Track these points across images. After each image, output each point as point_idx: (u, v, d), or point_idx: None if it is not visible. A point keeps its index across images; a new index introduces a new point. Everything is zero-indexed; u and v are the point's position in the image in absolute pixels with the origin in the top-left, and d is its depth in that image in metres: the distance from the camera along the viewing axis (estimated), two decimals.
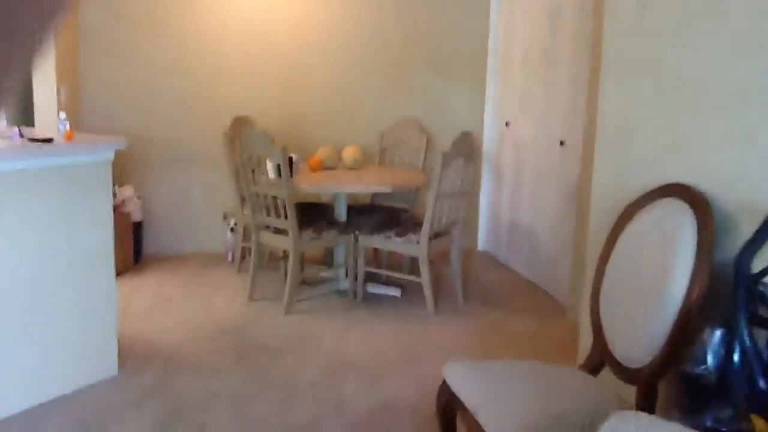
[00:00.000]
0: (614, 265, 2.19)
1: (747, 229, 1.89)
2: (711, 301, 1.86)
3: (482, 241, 5.55)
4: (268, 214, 3.98)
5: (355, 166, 4.54)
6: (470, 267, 5.03)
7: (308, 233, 3.95)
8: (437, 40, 5.30)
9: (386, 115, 5.25)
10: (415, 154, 4.91)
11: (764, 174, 1.91)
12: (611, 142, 2.63)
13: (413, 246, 3.96)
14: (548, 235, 4.47)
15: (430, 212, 3.86)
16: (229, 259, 5.02)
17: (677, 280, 1.88)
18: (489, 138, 5.39)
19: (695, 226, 1.92)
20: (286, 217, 3.87)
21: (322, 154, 4.52)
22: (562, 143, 4.25)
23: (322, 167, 4.50)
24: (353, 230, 4.13)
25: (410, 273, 4.51)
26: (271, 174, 3.92)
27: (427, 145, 4.83)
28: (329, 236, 4.03)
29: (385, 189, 3.93)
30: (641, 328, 1.96)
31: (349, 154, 4.54)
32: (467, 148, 3.96)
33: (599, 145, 2.67)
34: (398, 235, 4.00)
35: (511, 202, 5.02)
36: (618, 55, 2.63)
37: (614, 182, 2.59)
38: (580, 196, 4.01)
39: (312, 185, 3.91)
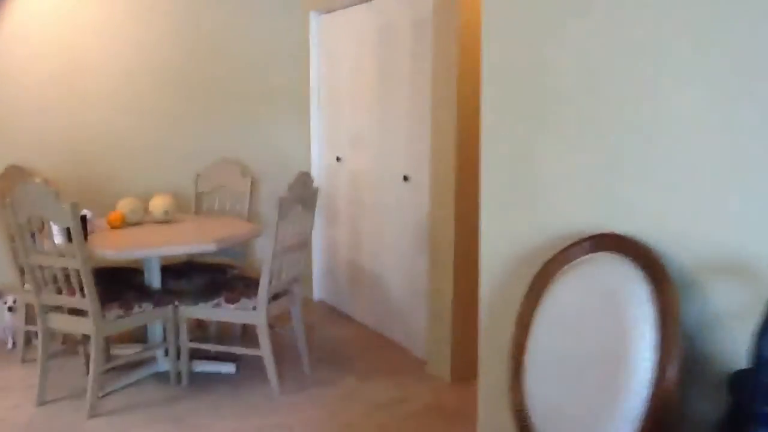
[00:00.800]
0: (540, 340, 1.71)
1: (711, 291, 1.49)
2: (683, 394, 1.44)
3: (318, 289, 4.96)
4: (59, 291, 3.10)
5: (167, 219, 3.77)
6: (309, 321, 4.42)
7: (114, 311, 3.12)
8: (254, 69, 4.68)
9: (200, 155, 4.51)
10: (238, 199, 4.22)
11: (720, 218, 1.53)
12: (498, 179, 2.18)
13: (249, 313, 3.27)
14: (396, 280, 3.99)
15: (267, 271, 3.21)
16: (9, 345, 3.98)
17: (640, 363, 1.43)
18: (318, 175, 4.84)
19: (648, 290, 1.49)
20: (82, 293, 3.02)
21: (123, 207, 3.70)
22: (405, 178, 3.81)
23: (125, 224, 3.68)
24: (171, 300, 3.36)
25: (243, 342, 3.82)
26: (58, 238, 3.05)
27: (251, 189, 4.16)
28: (142, 313, 3.22)
29: (209, 248, 3.22)
30: (598, 425, 1.48)
31: (158, 204, 3.76)
32: (306, 191, 3.37)
33: (485, 181, 2.21)
34: (229, 301, 3.30)
35: (350, 244, 4.50)
36: (499, 66, 2.19)
37: (507, 230, 2.14)
38: (431, 236, 3.58)
39: (115, 250, 3.10)
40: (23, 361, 3.77)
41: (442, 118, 3.41)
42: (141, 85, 4.38)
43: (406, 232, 3.86)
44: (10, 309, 3.88)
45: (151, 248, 3.18)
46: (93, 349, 3.05)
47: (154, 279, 3.52)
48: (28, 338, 3.88)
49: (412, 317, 3.86)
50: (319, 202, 4.84)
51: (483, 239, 2.26)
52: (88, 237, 3.30)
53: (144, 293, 3.34)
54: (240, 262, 4.10)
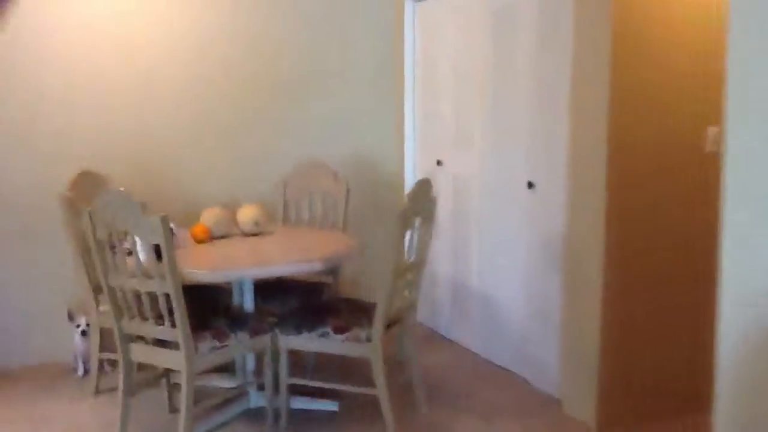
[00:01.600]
0: None
1: None
2: None
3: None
4: (143, 318, 2.64)
5: (258, 231, 3.30)
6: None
7: (207, 343, 2.65)
8: (339, 64, 4.19)
9: (281, 160, 4.05)
10: (330, 207, 3.73)
11: None
12: (746, 196, 1.63)
13: (362, 345, 2.77)
14: (516, 304, 3.45)
15: (384, 296, 2.70)
16: (80, 372, 3.56)
17: None
18: (412, 180, 4.33)
19: None
20: (172, 321, 2.55)
21: (208, 219, 3.24)
22: (531, 185, 3.26)
23: (211, 237, 3.22)
24: (269, 328, 2.87)
25: (343, 378, 3.33)
26: (143, 256, 2.59)
27: (347, 196, 3.67)
28: (238, 344, 2.75)
29: (315, 267, 2.73)
30: None
31: (248, 215, 3.29)
32: (426, 201, 2.86)
33: (728, 195, 1.67)
34: (338, 330, 2.80)
35: (453, 260, 3.97)
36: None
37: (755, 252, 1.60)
38: (567, 256, 3.04)
39: (209, 270, 2.63)
40: (97, 392, 3.33)
41: (585, 116, 2.86)
42: (215, 85, 3.93)
43: (530, 248, 3.32)
44: (83, 333, 3.46)
45: (249, 268, 2.70)
46: (184, 388, 2.58)
47: (247, 301, 3.05)
48: (101, 366, 3.45)
49: (538, 347, 3.31)
50: None
51: (725, 277, 1.71)
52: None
53: (237, 319, 2.87)
54: (329, 279, 3.60)
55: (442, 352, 3.87)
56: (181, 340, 2.55)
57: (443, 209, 4.02)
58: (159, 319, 2.61)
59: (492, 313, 3.65)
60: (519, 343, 3.45)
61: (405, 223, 2.65)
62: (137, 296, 2.63)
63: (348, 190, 3.66)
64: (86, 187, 3.36)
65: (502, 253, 3.53)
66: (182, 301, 2.51)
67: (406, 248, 2.76)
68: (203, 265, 2.70)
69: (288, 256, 2.85)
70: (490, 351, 3.70)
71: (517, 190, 3.38)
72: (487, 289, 3.68)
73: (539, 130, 3.20)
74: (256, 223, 3.29)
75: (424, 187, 2.80)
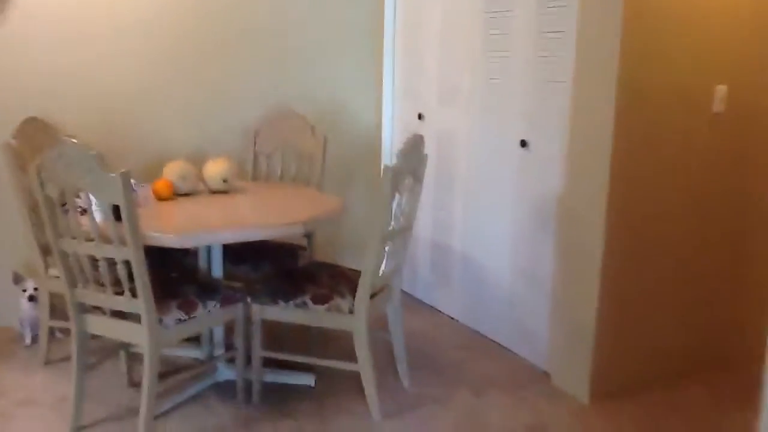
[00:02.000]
0: None
1: None
2: None
3: None
4: (99, 287, 2.35)
5: (226, 188, 3.00)
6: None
7: (172, 314, 2.37)
8: (310, 8, 3.84)
9: (250, 109, 3.72)
10: (305, 163, 3.44)
11: None
12: None
13: (345, 317, 2.53)
14: (502, 269, 3.25)
15: (371, 263, 2.45)
16: (27, 341, 3.24)
17: None
18: (391, 137, 4.05)
19: None
20: (133, 292, 2.27)
21: (171, 173, 2.93)
22: (524, 144, 3.03)
23: (175, 194, 2.91)
24: (242, 297, 2.61)
25: (321, 349, 3.11)
26: (99, 216, 2.29)
27: (324, 151, 3.38)
28: (208, 314, 2.48)
29: (297, 230, 2.46)
30: None
31: (215, 170, 2.98)
32: (418, 159, 2.60)
33: None
34: (318, 300, 2.55)
35: (434, 222, 3.74)
36: None
37: None
38: (562, 219, 2.84)
39: (175, 234, 2.33)
40: (46, 363, 3.04)
41: (591, 68, 2.62)
42: (180, 29, 3.55)
43: (519, 211, 3.10)
44: (31, 298, 3.14)
45: (222, 231, 2.41)
46: (147, 365, 2.31)
47: (215, 266, 2.77)
48: (52, 333, 3.15)
49: (526, 315, 3.12)
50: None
51: None
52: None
53: (205, 287, 2.59)
54: (303, 242, 3.34)
55: (420, 318, 3.66)
56: (143, 312, 2.27)
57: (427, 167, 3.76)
58: (118, 287, 2.32)
59: (475, 278, 3.45)
60: (505, 311, 3.26)
61: (395, 183, 2.39)
62: (93, 262, 2.33)
63: (325, 145, 3.37)
64: (33, 135, 3.01)
65: (488, 214, 3.31)
66: (144, 268, 2.23)
67: (393, 210, 2.51)
68: (169, 228, 2.40)
69: (264, 218, 2.57)
70: (472, 318, 3.51)
71: (508, 148, 3.14)
72: (470, 252, 3.46)
73: (535, 84, 2.95)
74: (225, 180, 2.99)
75: (415, 143, 2.53)
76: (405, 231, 2.66)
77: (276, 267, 3.03)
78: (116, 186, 2.13)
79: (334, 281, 2.68)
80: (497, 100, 3.19)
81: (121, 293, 2.30)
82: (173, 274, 2.81)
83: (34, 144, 2.97)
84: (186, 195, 2.95)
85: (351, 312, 2.51)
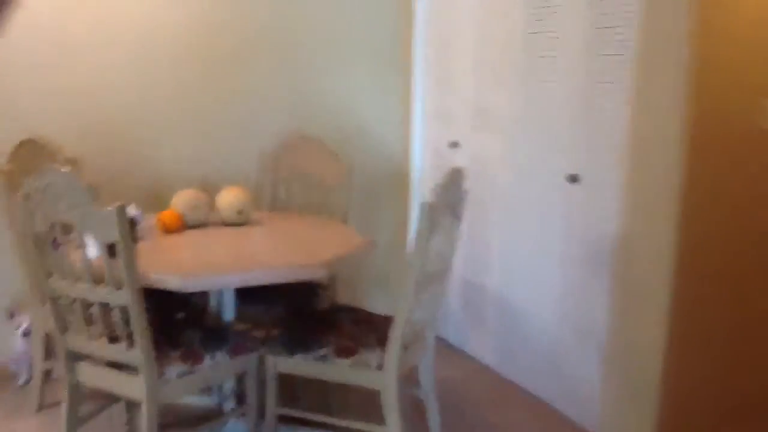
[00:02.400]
0: None
1: None
2: None
3: None
4: (93, 334, 2.05)
5: (241, 220, 2.71)
6: None
7: (175, 366, 2.07)
8: (333, 25, 3.57)
9: (273, 128, 3.43)
10: (329, 192, 3.14)
11: None
12: None
13: (372, 373, 2.21)
14: (544, 314, 2.91)
15: (405, 312, 2.14)
16: (21, 381, 2.96)
17: None
18: (422, 165, 3.75)
19: None
20: (130, 340, 1.97)
21: (181, 204, 2.65)
22: (574, 179, 2.71)
23: (184, 226, 2.63)
24: (254, 346, 2.30)
25: (339, 408, 2.79)
26: (93, 252, 2.00)
27: (349, 180, 3.08)
28: (215, 365, 2.17)
29: (318, 273, 2.16)
30: None
31: (229, 200, 2.70)
32: (457, 195, 2.28)
33: None
34: (342, 352, 2.23)
35: (468, 259, 3.41)
36: None
37: None
38: (617, 260, 2.51)
39: (180, 276, 2.03)
40: (40, 408, 2.75)
41: (654, 94, 2.30)
42: (194, 47, 3.29)
43: (568, 251, 2.78)
44: (26, 333, 2.85)
45: (232, 273, 2.11)
46: (145, 421, 2.00)
47: (226, 308, 2.47)
48: (48, 375, 2.86)
49: (573, 369, 2.78)
50: (420, 200, 3.75)
51: None
52: (134, 243, 2.25)
53: (214, 333, 2.29)
54: (324, 279, 3.02)
55: (449, 365, 3.33)
56: (140, 364, 1.97)
57: None
58: (113, 335, 2.02)
59: (512, 323, 3.11)
60: (546, 362, 2.92)
61: (432, 221, 2.08)
62: (87, 305, 2.04)
63: (351, 174, 3.07)
64: (29, 159, 2.74)
65: (530, 253, 2.98)
66: (143, 315, 1.93)
67: (430, 252, 2.19)
68: (172, 268, 2.11)
69: (281, 258, 2.27)
70: (508, 367, 3.17)
71: (554, 182, 2.82)
72: (508, 294, 3.13)
73: (586, 111, 2.64)
74: (240, 211, 2.70)
75: (455, 177, 2.22)
76: (442, 275, 2.34)
77: (293, 309, 2.72)
78: (110, 222, 1.84)
79: (360, 329, 2.36)
80: (541, 127, 2.88)
81: (117, 341, 2.00)
82: (178, 314, 2.52)
83: (29, 169, 2.70)
84: (196, 227, 2.67)
85: (380, 368, 2.19)
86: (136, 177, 3.20)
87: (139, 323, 1.92)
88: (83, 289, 1.98)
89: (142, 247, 2.31)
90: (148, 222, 2.58)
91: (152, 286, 2.00)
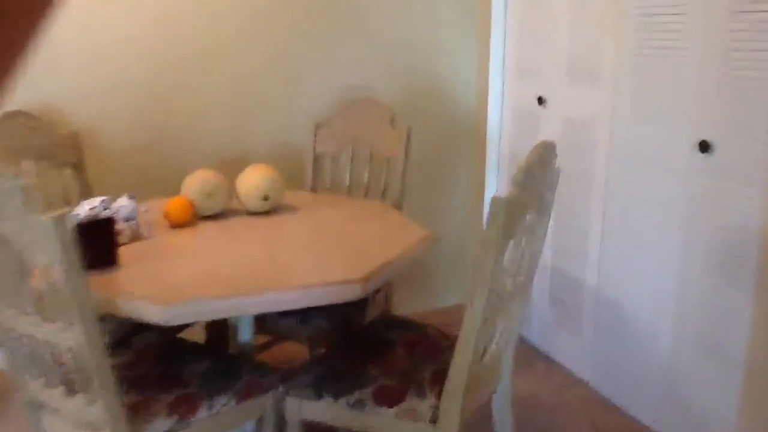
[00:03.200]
0: None
1: None
2: None
3: None
4: (48, 381, 1.55)
5: (269, 207, 2.16)
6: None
7: (159, 420, 1.55)
8: None
9: (316, 88, 2.84)
10: (383, 166, 2.53)
11: None
12: None
13: (423, 428, 1.62)
14: (662, 325, 2.24)
15: (467, 347, 1.52)
16: None
17: None
18: (500, 128, 3.07)
19: None
20: (89, 393, 1.45)
21: (192, 189, 2.11)
22: (704, 147, 1.99)
23: (195, 218, 2.10)
24: (271, 384, 1.75)
25: None
26: (43, 278, 1.47)
27: (407, 150, 2.46)
28: (215, 417, 1.64)
29: (355, 292, 1.57)
30: None
31: (253, 183, 2.14)
32: (545, 181, 1.62)
33: None
34: (383, 398, 1.65)
35: (559, 249, 2.75)
36: None
37: None
38: (761, 262, 1.80)
39: (159, 305, 1.49)
40: None
41: None
42: None
43: (692, 246, 2.07)
44: None
45: (239, 298, 1.54)
46: None
47: (243, 326, 1.92)
48: None
49: (699, 394, 2.11)
50: (495, 170, 3.09)
51: None
52: (116, 256, 1.72)
53: (221, 365, 1.75)
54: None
55: (534, 375, 2.71)
56: (104, 425, 1.45)
57: None
58: (70, 385, 1.51)
59: (617, 333, 2.45)
60: (663, 386, 2.26)
61: (509, 226, 1.44)
62: (37, 345, 1.53)
63: (408, 141, 2.44)
64: (15, 135, 2.25)
65: (642, 245, 2.29)
66: (103, 360, 1.40)
67: (505, 264, 1.56)
68: (156, 288, 1.56)
69: (311, 269, 1.68)
70: (610, 387, 2.52)
71: (676, 151, 2.11)
72: (611, 296, 2.46)
73: (725, 59, 1.90)
74: (266, 197, 2.14)
75: (542, 156, 1.56)
76: (523, 289, 1.71)
77: (334, 321, 2.15)
78: (47, 236, 1.30)
79: (414, 358, 1.78)
80: (661, 80, 2.15)
81: (73, 391, 1.49)
82: (176, 335, 1.99)
83: (16, 147, 2.22)
84: (214, 217, 2.13)
85: (434, 421, 1.60)
86: (158, 155, 2.68)
87: (98, 372, 1.40)
88: (29, 324, 1.46)
89: (131, 252, 1.80)
90: (148, 216, 2.05)
91: (123, 315, 1.48)
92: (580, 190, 2.58)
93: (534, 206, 1.57)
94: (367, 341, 1.91)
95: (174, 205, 2.06)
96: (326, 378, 1.72)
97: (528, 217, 1.57)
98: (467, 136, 3.15)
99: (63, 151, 2.37)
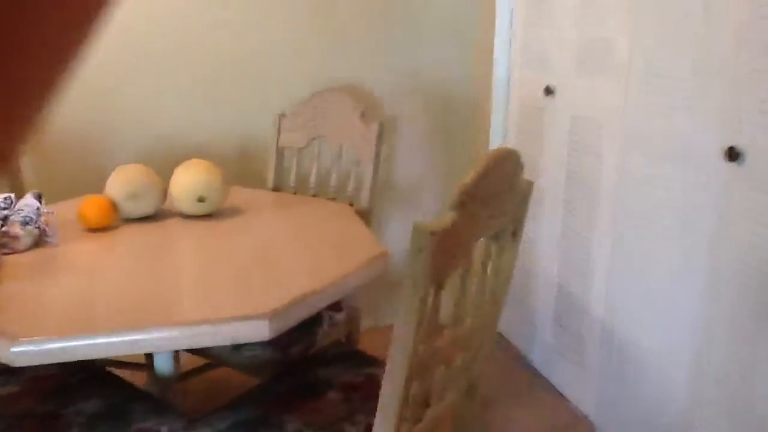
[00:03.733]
0: None
1: None
2: None
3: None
4: None
5: (206, 211, 1.85)
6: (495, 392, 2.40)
7: None
8: None
9: (286, 74, 2.50)
10: (351, 165, 2.18)
11: None
12: None
13: None
14: (679, 364, 1.85)
15: (391, 406, 1.17)
16: None
17: None
18: (504, 122, 2.69)
19: None
20: None
21: (117, 186, 1.81)
22: (732, 154, 1.59)
23: (116, 219, 1.81)
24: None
25: None
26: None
27: (377, 147, 2.10)
28: None
29: (257, 334, 1.24)
30: None
31: (186, 182, 1.83)
32: (510, 197, 1.25)
33: None
34: None
35: (563, 259, 2.37)
36: None
37: None
38: None
39: (5, 340, 1.18)
40: None
41: None
42: None
43: (718, 273, 1.68)
44: None
45: (111, 334, 1.22)
46: None
47: (161, 362, 1.60)
48: None
49: None
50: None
51: None
52: None
53: (108, 409, 1.44)
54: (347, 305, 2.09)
55: (533, 404, 2.34)
56: None
57: (552, 168, 2.39)
58: None
59: (626, 368, 2.06)
60: (680, 427, 1.87)
61: (443, 261, 1.08)
62: None
63: (380, 139, 2.09)
64: None
65: (658, 265, 1.90)
66: None
67: (455, 297, 1.20)
68: (7, 321, 1.25)
69: (213, 303, 1.35)
70: (616, 424, 2.14)
71: (700, 157, 1.71)
72: (620, 325, 2.07)
73: (759, 52, 1.49)
74: (201, 199, 1.82)
75: (498, 168, 1.19)
76: (484, 330, 1.34)
77: (274, 347, 1.82)
78: None
79: (349, 405, 1.44)
80: (683, 70, 1.75)
81: None
82: (75, 378, 1.68)
83: None
84: (142, 220, 1.83)
85: None
86: (100, 146, 2.38)
87: None
88: None
89: (20, 263, 1.51)
90: (53, 218, 1.75)
91: None
92: (586, 194, 2.19)
93: (488, 230, 1.20)
94: (301, 379, 1.57)
95: (90, 205, 1.76)
96: (235, 428, 1.40)
97: (484, 241, 1.20)
98: (465, 128, 2.78)
99: None
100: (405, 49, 2.60)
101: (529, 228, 2.51)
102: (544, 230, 2.45)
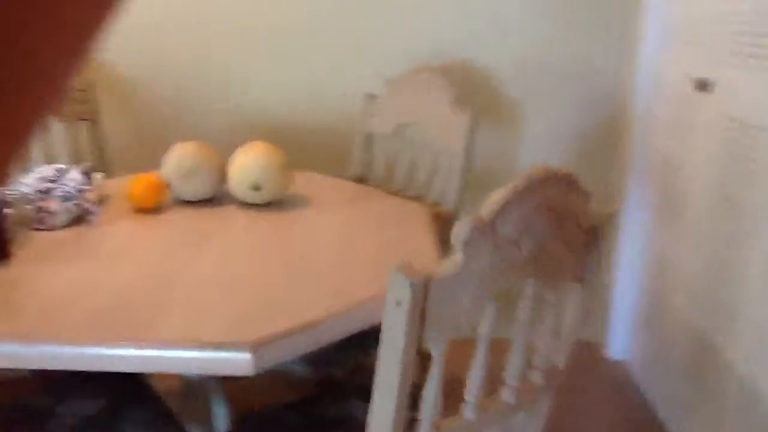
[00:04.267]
0: None
1: None
2: None
3: (619, 338, 2.47)
4: None
5: (260, 200, 1.65)
6: (598, 398, 2.02)
7: None
8: None
9: (383, 53, 2.22)
10: (445, 156, 1.87)
11: None
12: None
13: None
14: None
15: None
16: None
17: None
18: (645, 122, 2.24)
19: None
20: None
21: (174, 165, 1.67)
22: None
23: (166, 202, 1.67)
24: None
25: None
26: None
27: (468, 140, 1.78)
28: None
29: (237, 367, 1.01)
30: None
31: (244, 166, 1.64)
32: (558, 233, 0.91)
33: None
34: None
35: (702, 305, 1.92)
36: None
37: None
38: None
39: None
40: None
41: None
42: None
43: None
44: None
45: (85, 346, 1.04)
46: None
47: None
48: None
49: None
50: (645, 178, 2.26)
51: None
52: (5, 250, 1.32)
53: (99, 414, 1.29)
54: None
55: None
56: None
57: (699, 177, 1.93)
58: None
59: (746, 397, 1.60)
60: None
61: (426, 335, 0.78)
62: None
63: (471, 132, 1.76)
64: None
65: None
66: None
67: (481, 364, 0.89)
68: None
69: (208, 320, 1.13)
70: None
71: None
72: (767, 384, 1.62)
73: None
74: (257, 188, 1.62)
75: (534, 194, 0.85)
76: (532, 403, 1.01)
77: (314, 363, 1.59)
78: None
79: None
80: None
81: None
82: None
83: None
84: (196, 203, 1.68)
85: None
86: (184, 112, 2.26)
87: None
88: None
89: (47, 242, 1.39)
90: (93, 195, 1.62)
91: None
92: (740, 225, 1.72)
93: (521, 278, 0.87)
94: (322, 410, 1.33)
95: (139, 183, 1.62)
96: None
97: (532, 291, 0.88)
98: (601, 126, 2.36)
99: (75, 104, 2.03)
100: (530, 28, 2.23)
101: (664, 237, 2.07)
102: (683, 242, 2.00)
